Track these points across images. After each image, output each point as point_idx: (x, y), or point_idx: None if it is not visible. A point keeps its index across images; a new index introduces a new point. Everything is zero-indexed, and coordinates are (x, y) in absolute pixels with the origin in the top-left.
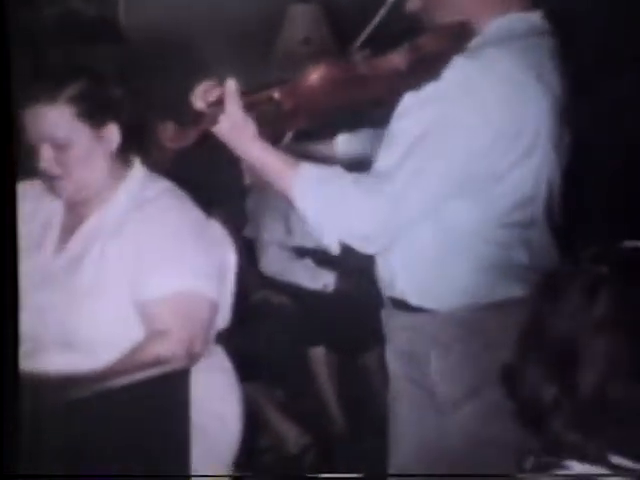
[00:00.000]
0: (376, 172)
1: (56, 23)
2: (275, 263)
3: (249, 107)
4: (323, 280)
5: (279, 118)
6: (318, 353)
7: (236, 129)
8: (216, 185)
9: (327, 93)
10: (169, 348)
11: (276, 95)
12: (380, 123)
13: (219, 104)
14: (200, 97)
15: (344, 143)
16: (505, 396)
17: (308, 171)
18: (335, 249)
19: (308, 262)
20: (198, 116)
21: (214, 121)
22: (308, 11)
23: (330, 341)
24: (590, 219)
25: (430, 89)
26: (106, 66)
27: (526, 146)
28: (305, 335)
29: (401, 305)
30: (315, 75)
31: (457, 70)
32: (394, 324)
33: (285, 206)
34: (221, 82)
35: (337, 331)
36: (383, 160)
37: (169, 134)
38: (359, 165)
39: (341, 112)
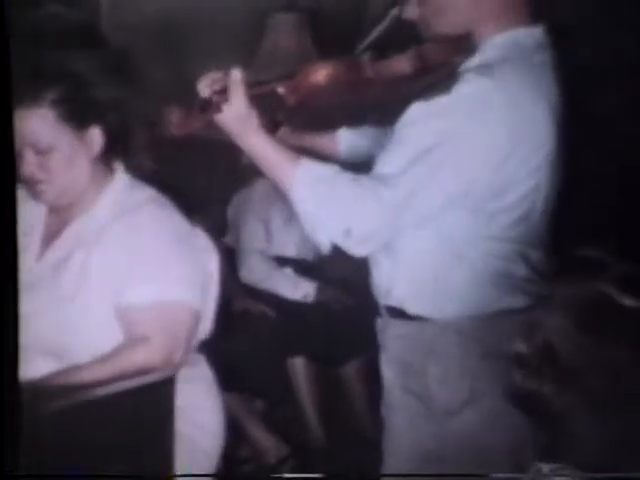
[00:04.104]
0: (378, 176)
1: (36, 27)
2: (255, 272)
3: (252, 98)
4: (303, 290)
5: (281, 113)
6: (298, 363)
7: (239, 119)
8: (197, 191)
9: (332, 92)
10: (148, 356)
11: (280, 90)
12: (382, 124)
13: (224, 93)
14: (206, 85)
15: (346, 139)
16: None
17: (309, 167)
18: (326, 248)
19: (288, 272)
20: (203, 104)
21: (218, 109)
22: (291, 20)
23: (310, 351)
24: (585, 234)
25: (442, 101)
26: (88, 70)
27: (532, 166)
28: (285, 345)
29: (398, 314)
30: (321, 74)
31: (470, 86)
32: (390, 333)
33: (265, 214)
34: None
35: (317, 341)
36: (386, 165)
37: (175, 120)
38: (359, 164)
39: (344, 112)
